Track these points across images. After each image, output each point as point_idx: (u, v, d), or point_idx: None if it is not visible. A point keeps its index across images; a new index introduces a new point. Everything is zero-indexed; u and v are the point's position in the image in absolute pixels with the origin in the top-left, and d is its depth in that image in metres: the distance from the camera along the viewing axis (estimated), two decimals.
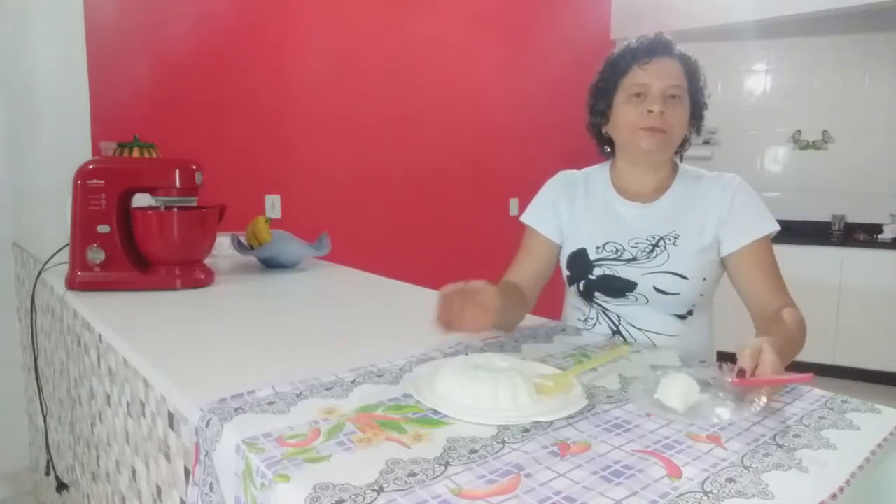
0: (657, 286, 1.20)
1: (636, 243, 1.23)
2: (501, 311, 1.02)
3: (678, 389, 0.80)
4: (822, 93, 4.34)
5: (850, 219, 4.24)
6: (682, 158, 1.30)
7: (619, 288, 1.23)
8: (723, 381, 0.87)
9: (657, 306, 1.23)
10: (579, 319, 1.33)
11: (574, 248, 1.28)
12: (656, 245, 1.21)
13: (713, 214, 1.20)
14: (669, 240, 1.21)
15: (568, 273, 1.31)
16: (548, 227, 1.31)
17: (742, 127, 4.48)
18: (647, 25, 4.50)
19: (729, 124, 4.39)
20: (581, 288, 1.28)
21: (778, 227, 1.20)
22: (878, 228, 4.03)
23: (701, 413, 0.79)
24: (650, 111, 1.15)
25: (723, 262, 1.22)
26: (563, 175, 1.35)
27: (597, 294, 1.26)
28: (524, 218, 1.34)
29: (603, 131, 1.28)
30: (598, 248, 1.25)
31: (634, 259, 1.22)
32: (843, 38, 4.18)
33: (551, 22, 3.96)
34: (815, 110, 4.35)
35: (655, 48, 1.18)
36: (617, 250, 1.24)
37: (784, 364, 0.93)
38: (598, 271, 1.25)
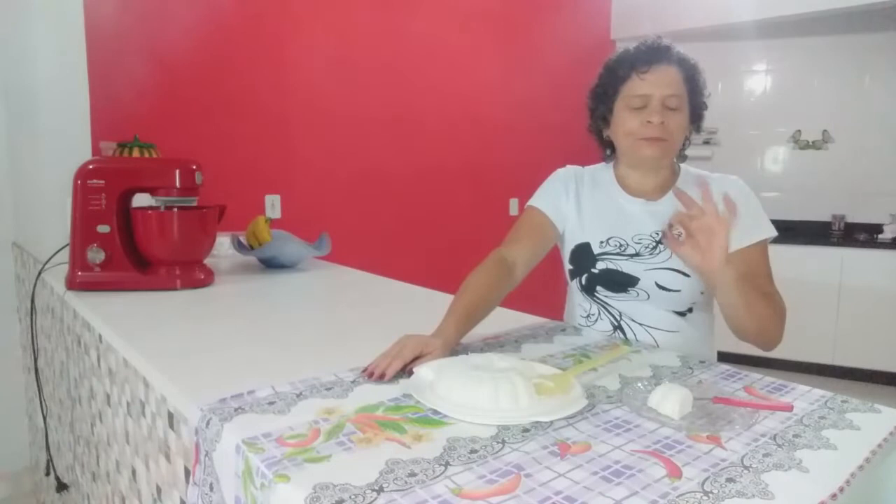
0: (659, 282, 1.21)
1: (640, 239, 1.24)
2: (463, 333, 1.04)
3: (673, 398, 0.79)
4: (822, 93, 4.34)
5: (850, 219, 4.24)
6: (683, 158, 1.30)
7: (621, 282, 1.24)
8: (708, 392, 0.87)
9: (658, 302, 1.23)
10: (581, 316, 1.33)
11: (578, 242, 1.29)
12: (660, 242, 1.22)
13: None
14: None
15: (571, 267, 1.31)
16: (554, 212, 1.30)
17: (742, 127, 4.49)
18: (646, 25, 4.50)
19: (729, 124, 4.39)
20: (583, 282, 1.28)
21: (775, 233, 1.20)
22: (878, 228, 4.03)
23: (695, 421, 0.78)
24: (650, 122, 1.16)
25: None
26: (571, 168, 1.36)
27: (598, 288, 1.27)
28: (533, 202, 1.33)
29: (604, 135, 1.29)
30: (601, 242, 1.26)
31: (637, 255, 1.23)
32: (843, 38, 4.18)
33: (551, 22, 3.96)
34: (815, 110, 4.35)
35: (654, 55, 1.18)
36: (620, 245, 1.24)
37: (732, 300, 1.03)
38: (600, 265, 1.25)
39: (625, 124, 1.20)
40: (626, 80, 1.19)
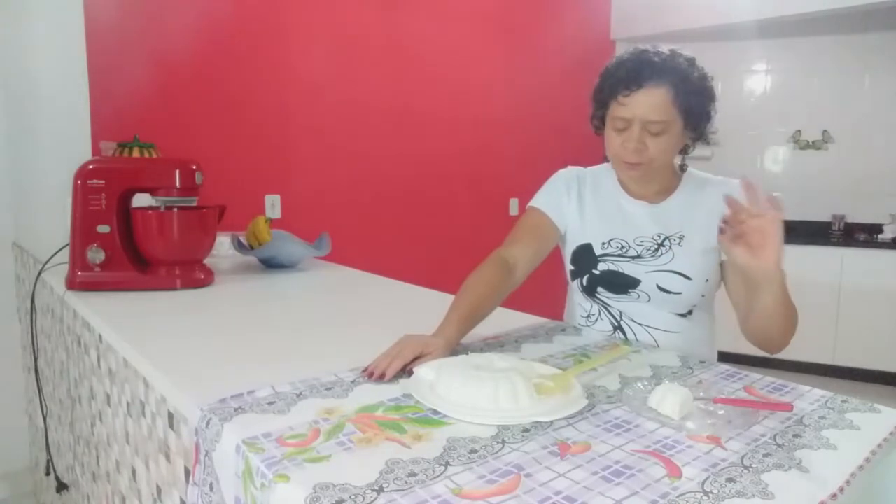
0: (660, 285, 1.21)
1: (642, 241, 1.24)
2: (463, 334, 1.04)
3: (673, 398, 0.79)
4: (822, 93, 4.34)
5: (850, 219, 4.24)
6: (684, 161, 1.29)
7: (622, 284, 1.24)
8: (708, 396, 0.87)
9: (659, 304, 1.23)
10: (581, 316, 1.33)
11: (580, 243, 1.29)
12: (661, 244, 1.22)
13: (717, 218, 1.20)
14: (675, 240, 1.21)
15: (572, 268, 1.31)
16: (556, 213, 1.30)
17: (742, 127, 4.48)
18: (646, 25, 4.47)
19: (729, 124, 4.37)
20: (584, 283, 1.28)
21: None
22: (878, 228, 4.03)
23: (695, 421, 0.78)
24: (627, 146, 1.14)
25: (721, 265, 1.22)
26: (573, 169, 1.35)
27: (599, 289, 1.27)
28: (534, 203, 1.32)
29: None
30: (603, 243, 1.26)
31: (639, 257, 1.23)
32: (843, 38, 4.18)
33: (551, 22, 3.96)
34: (815, 110, 4.35)
35: (638, 77, 1.11)
36: (622, 247, 1.24)
37: (773, 302, 1.00)
38: (602, 266, 1.25)
39: (609, 142, 1.19)
40: (611, 100, 1.16)
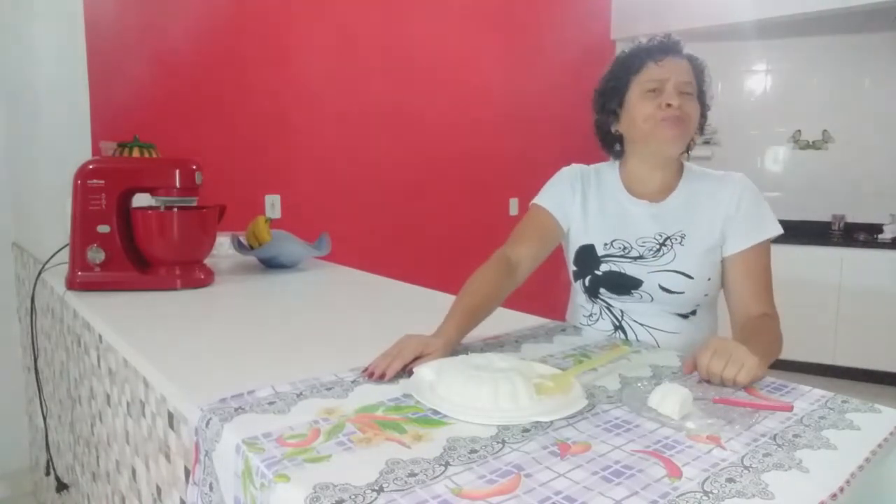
0: (663, 285, 1.21)
1: (644, 242, 1.23)
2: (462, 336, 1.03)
3: (673, 398, 0.79)
4: (822, 93, 4.34)
5: (850, 219, 4.24)
6: (688, 157, 1.30)
7: (625, 285, 1.24)
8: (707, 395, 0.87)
9: (661, 305, 1.23)
10: (584, 315, 1.34)
11: (582, 243, 1.29)
12: (663, 244, 1.22)
13: (721, 213, 1.20)
14: (676, 239, 1.21)
15: (575, 268, 1.31)
16: (560, 211, 1.30)
17: (742, 127, 4.48)
18: (646, 25, 4.48)
19: (729, 124, 4.39)
20: (587, 283, 1.28)
21: (780, 231, 1.20)
22: (878, 228, 4.03)
23: (695, 421, 0.78)
24: (668, 104, 1.16)
25: (721, 261, 1.22)
26: (577, 167, 1.35)
27: (602, 290, 1.27)
28: (538, 201, 1.32)
29: (613, 130, 1.28)
30: (605, 244, 1.26)
31: (641, 257, 1.23)
32: (843, 38, 4.18)
33: (551, 21, 3.96)
34: (815, 110, 4.35)
35: (668, 47, 1.21)
36: (624, 248, 1.24)
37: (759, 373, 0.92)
38: (604, 267, 1.25)
39: (643, 110, 1.19)
40: (641, 68, 1.20)
